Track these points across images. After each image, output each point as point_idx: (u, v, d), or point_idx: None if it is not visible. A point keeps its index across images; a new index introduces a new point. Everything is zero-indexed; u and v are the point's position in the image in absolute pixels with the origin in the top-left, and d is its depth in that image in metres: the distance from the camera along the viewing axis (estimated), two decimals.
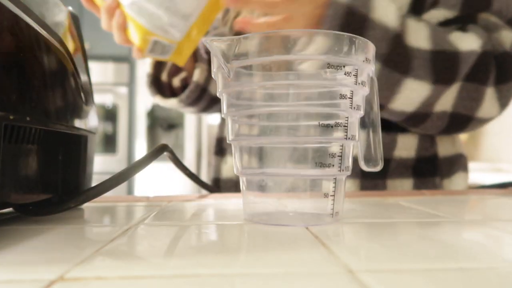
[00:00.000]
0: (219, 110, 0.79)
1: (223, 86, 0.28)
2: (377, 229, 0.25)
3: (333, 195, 0.27)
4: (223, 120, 0.71)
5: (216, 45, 0.26)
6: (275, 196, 0.28)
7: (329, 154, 0.27)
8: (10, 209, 0.30)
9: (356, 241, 0.23)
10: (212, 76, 0.30)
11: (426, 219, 0.29)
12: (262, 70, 0.26)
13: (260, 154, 0.28)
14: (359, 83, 0.27)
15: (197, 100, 0.71)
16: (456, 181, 0.60)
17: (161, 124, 2.79)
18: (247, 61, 0.26)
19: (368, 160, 0.32)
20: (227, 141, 0.30)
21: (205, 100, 0.72)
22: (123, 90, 2.75)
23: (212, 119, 2.56)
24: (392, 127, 0.56)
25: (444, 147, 0.59)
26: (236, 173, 0.30)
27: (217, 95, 0.30)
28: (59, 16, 0.32)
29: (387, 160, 0.56)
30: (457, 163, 0.61)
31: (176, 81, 0.72)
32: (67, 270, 0.17)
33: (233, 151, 0.30)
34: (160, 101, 0.71)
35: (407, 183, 0.57)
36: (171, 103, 0.71)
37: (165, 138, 2.77)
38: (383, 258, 0.19)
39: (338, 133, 0.27)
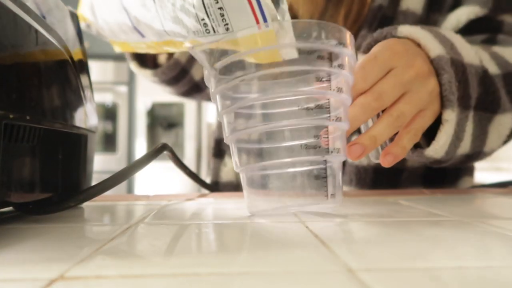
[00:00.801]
0: (205, 99, 0.77)
1: (214, 87, 0.29)
2: (377, 228, 0.25)
3: (325, 177, 0.28)
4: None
5: (200, 52, 0.28)
6: (275, 194, 0.28)
7: (314, 136, 0.27)
8: (10, 208, 0.30)
9: (356, 240, 0.23)
10: (205, 83, 0.31)
11: (426, 218, 0.29)
12: (242, 69, 0.28)
13: (256, 150, 0.28)
14: (335, 66, 0.28)
15: (176, 80, 0.65)
16: (461, 187, 0.60)
17: (161, 123, 2.79)
18: (227, 59, 0.28)
19: (375, 152, 0.35)
20: (224, 141, 0.30)
21: (186, 83, 0.67)
22: (123, 89, 2.75)
23: (212, 117, 2.56)
24: None
25: None
26: (235, 170, 0.30)
27: (211, 98, 0.30)
28: (59, 15, 0.32)
29: (400, 170, 0.55)
30: (463, 168, 0.60)
31: (162, 58, 0.66)
32: (67, 269, 0.17)
33: (231, 150, 0.30)
34: (135, 69, 0.64)
35: None
36: (144, 74, 0.64)
37: (165, 137, 2.77)
38: (383, 257, 0.19)
39: (321, 115, 0.27)
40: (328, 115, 0.27)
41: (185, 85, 0.68)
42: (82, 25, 0.51)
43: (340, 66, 0.28)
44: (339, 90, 0.28)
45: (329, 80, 0.27)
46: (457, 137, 0.39)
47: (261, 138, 0.28)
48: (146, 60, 0.65)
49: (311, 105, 0.27)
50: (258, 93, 0.28)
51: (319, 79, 0.27)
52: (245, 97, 0.28)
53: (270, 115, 0.28)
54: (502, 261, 0.18)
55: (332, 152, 0.28)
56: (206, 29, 0.31)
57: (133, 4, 0.38)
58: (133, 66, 0.63)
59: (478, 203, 0.39)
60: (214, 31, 0.31)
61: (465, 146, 0.40)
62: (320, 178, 0.28)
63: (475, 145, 0.41)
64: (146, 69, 0.63)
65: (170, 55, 0.64)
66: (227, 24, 0.29)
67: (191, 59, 0.65)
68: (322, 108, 0.27)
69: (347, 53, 0.28)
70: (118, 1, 0.41)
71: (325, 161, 0.28)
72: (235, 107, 0.28)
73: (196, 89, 0.70)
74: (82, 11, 0.50)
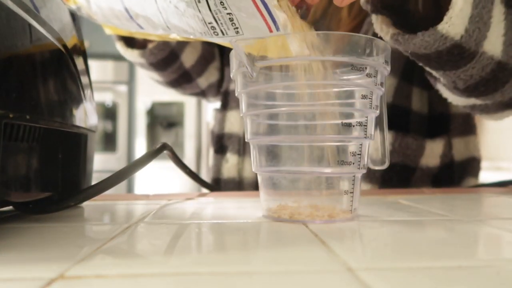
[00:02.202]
0: (195, 91, 0.72)
1: (242, 87, 0.29)
2: (377, 228, 0.25)
3: (352, 192, 0.28)
4: (221, 116, 0.67)
5: (242, 46, 0.26)
6: (294, 194, 0.28)
7: (350, 153, 0.27)
8: (10, 207, 0.30)
9: (356, 239, 0.23)
10: (231, 76, 0.30)
11: (425, 217, 0.29)
12: (284, 71, 0.27)
13: (281, 153, 0.28)
14: (378, 84, 0.27)
15: (165, 64, 0.62)
16: (465, 187, 0.60)
17: (161, 122, 2.79)
18: (272, 61, 0.27)
19: (374, 158, 0.33)
20: (246, 140, 0.30)
21: (175, 70, 0.64)
22: (123, 88, 2.75)
23: (211, 116, 2.55)
24: (420, 132, 0.55)
25: (459, 151, 0.58)
26: (254, 170, 0.30)
27: (236, 95, 0.30)
28: (59, 14, 0.32)
29: (413, 169, 0.55)
30: (469, 168, 0.60)
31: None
32: (67, 268, 0.17)
33: (251, 150, 0.30)
34: (121, 49, 0.60)
35: None
36: (131, 54, 0.60)
37: (165, 137, 2.77)
38: (383, 256, 0.19)
39: (358, 132, 0.27)
40: (365, 132, 0.28)
41: (174, 72, 0.64)
42: (72, 7, 0.49)
43: (381, 84, 0.28)
44: (376, 107, 0.28)
45: (371, 98, 0.27)
46: (480, 15, 0.33)
47: (297, 146, 0.28)
48: (135, 45, 0.61)
49: (353, 121, 0.27)
50: (299, 101, 0.27)
51: (364, 97, 0.27)
52: (285, 103, 0.28)
53: (308, 124, 0.27)
54: (502, 261, 0.18)
55: (361, 168, 0.28)
56: (214, 32, 0.30)
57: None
58: (120, 46, 0.60)
59: (478, 202, 0.39)
60: (223, 34, 0.30)
61: (493, 43, 0.35)
62: (348, 193, 0.28)
63: (508, 51, 0.35)
64: (133, 50, 0.60)
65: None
66: (237, 28, 0.29)
67: (182, 43, 0.61)
68: (361, 126, 0.27)
69: (388, 70, 0.28)
70: None
71: (354, 176, 0.28)
72: (276, 111, 0.28)
73: (186, 79, 0.67)
74: None
